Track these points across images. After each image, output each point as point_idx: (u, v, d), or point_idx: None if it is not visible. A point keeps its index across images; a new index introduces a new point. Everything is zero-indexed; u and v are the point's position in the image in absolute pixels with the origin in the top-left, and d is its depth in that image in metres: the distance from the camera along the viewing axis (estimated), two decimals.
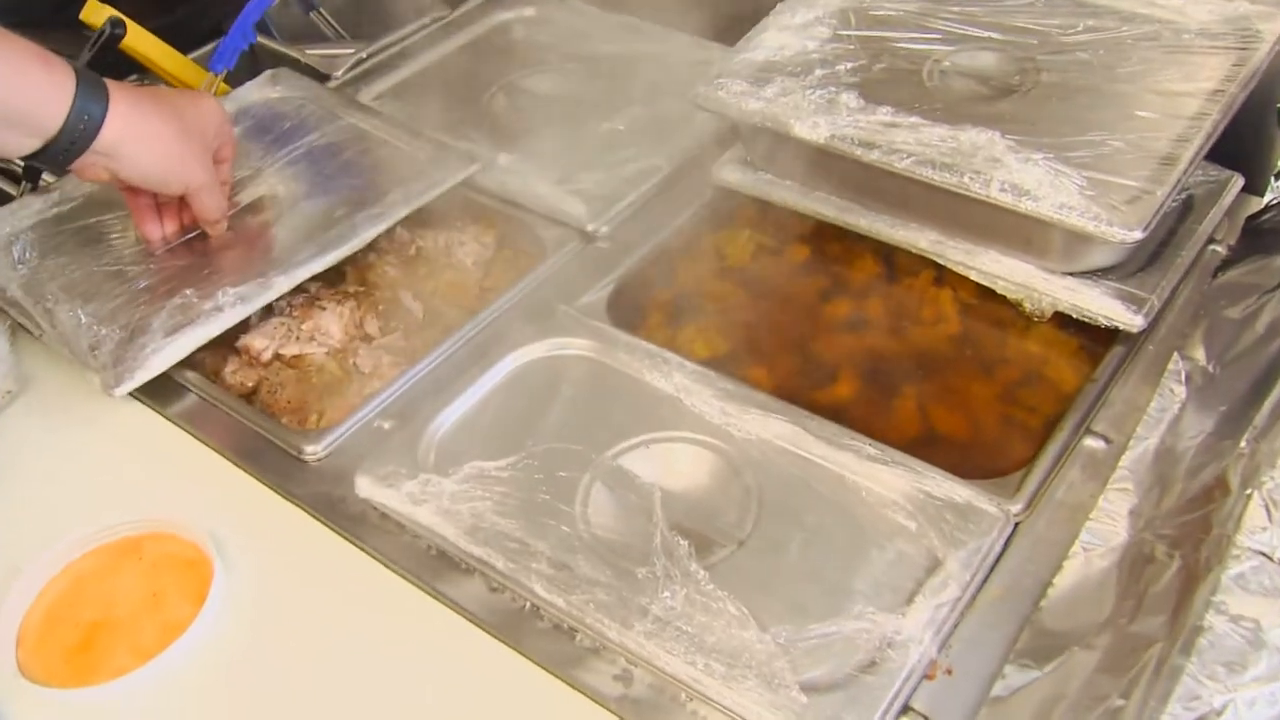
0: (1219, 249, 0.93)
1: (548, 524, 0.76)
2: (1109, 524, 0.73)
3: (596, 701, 0.68)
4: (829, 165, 0.93)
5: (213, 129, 0.95)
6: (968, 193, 0.84)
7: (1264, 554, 0.61)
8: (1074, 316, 0.86)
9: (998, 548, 0.73)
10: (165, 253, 1.00)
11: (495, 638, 0.72)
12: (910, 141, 0.87)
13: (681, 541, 0.72)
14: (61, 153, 0.86)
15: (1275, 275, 0.87)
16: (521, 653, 0.71)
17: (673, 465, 0.80)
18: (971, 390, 0.88)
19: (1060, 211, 0.81)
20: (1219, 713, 0.55)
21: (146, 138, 0.90)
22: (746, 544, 0.75)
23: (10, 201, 1.08)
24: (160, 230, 1.00)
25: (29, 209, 1.06)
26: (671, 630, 0.68)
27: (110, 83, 0.88)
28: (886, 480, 0.76)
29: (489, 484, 0.78)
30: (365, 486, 0.79)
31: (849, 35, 1.00)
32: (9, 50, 0.84)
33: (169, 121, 0.91)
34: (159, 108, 0.91)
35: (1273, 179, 0.95)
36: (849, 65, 0.96)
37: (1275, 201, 0.93)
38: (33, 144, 0.86)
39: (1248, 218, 0.94)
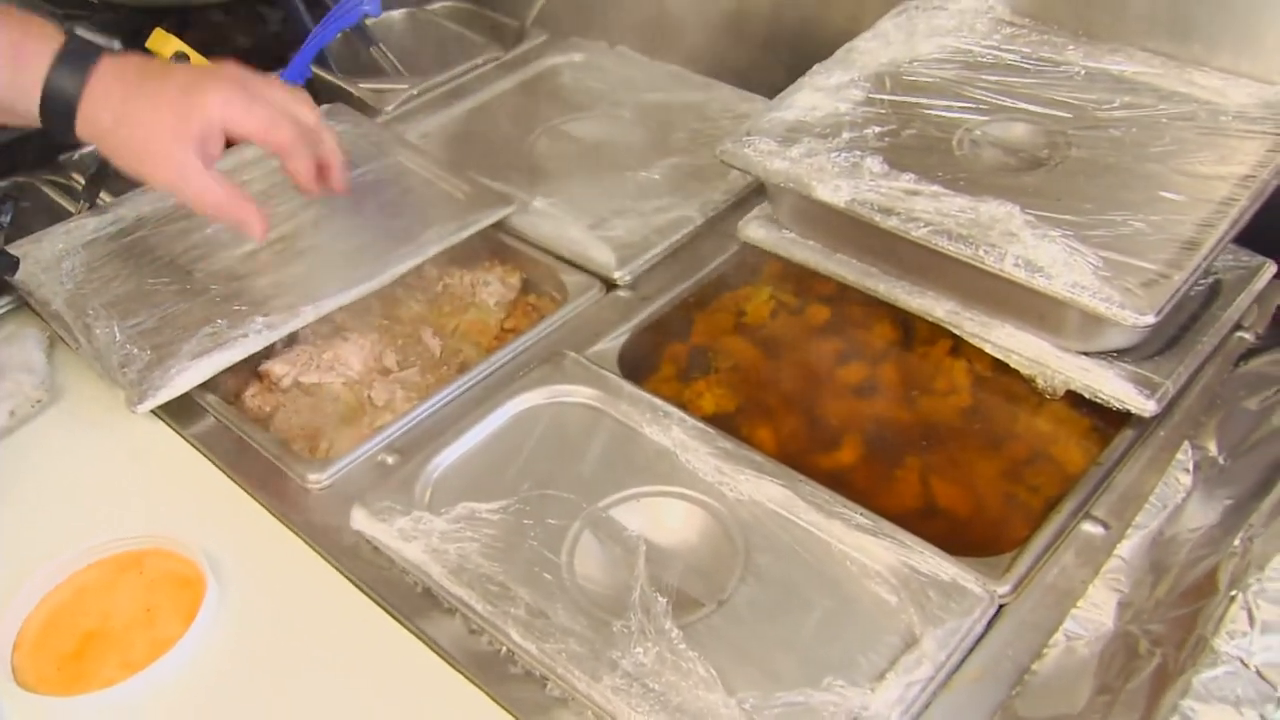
0: (1246, 336, 0.91)
1: (532, 569, 0.77)
2: (1096, 613, 0.71)
3: None
4: (851, 228, 0.93)
5: (197, 114, 0.85)
6: (981, 265, 0.83)
7: (1240, 659, 0.59)
8: (1086, 396, 0.85)
9: (979, 629, 0.72)
10: (205, 275, 1.03)
11: (469, 679, 0.73)
12: (929, 210, 0.87)
13: (660, 598, 0.73)
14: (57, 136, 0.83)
15: None
16: (493, 697, 0.72)
17: (662, 520, 0.80)
18: (976, 465, 0.87)
19: (1073, 291, 0.80)
20: None
21: (111, 130, 0.84)
22: (726, 605, 0.74)
23: (68, 218, 1.13)
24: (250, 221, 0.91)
25: (84, 228, 1.10)
26: (639, 687, 0.68)
27: (117, 58, 0.84)
28: (873, 552, 0.76)
29: (479, 526, 0.79)
30: (360, 519, 0.81)
31: (882, 99, 1.00)
32: None
33: (134, 108, 0.83)
34: (134, 90, 0.84)
35: None
36: (878, 129, 0.96)
37: None
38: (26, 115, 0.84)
39: (1279, 306, 0.92)
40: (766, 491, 0.80)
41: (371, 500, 0.81)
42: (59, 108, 0.83)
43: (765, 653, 0.72)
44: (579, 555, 0.78)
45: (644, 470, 0.83)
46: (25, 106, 0.83)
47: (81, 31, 0.89)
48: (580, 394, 0.89)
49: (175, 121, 0.85)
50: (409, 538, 0.78)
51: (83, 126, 0.84)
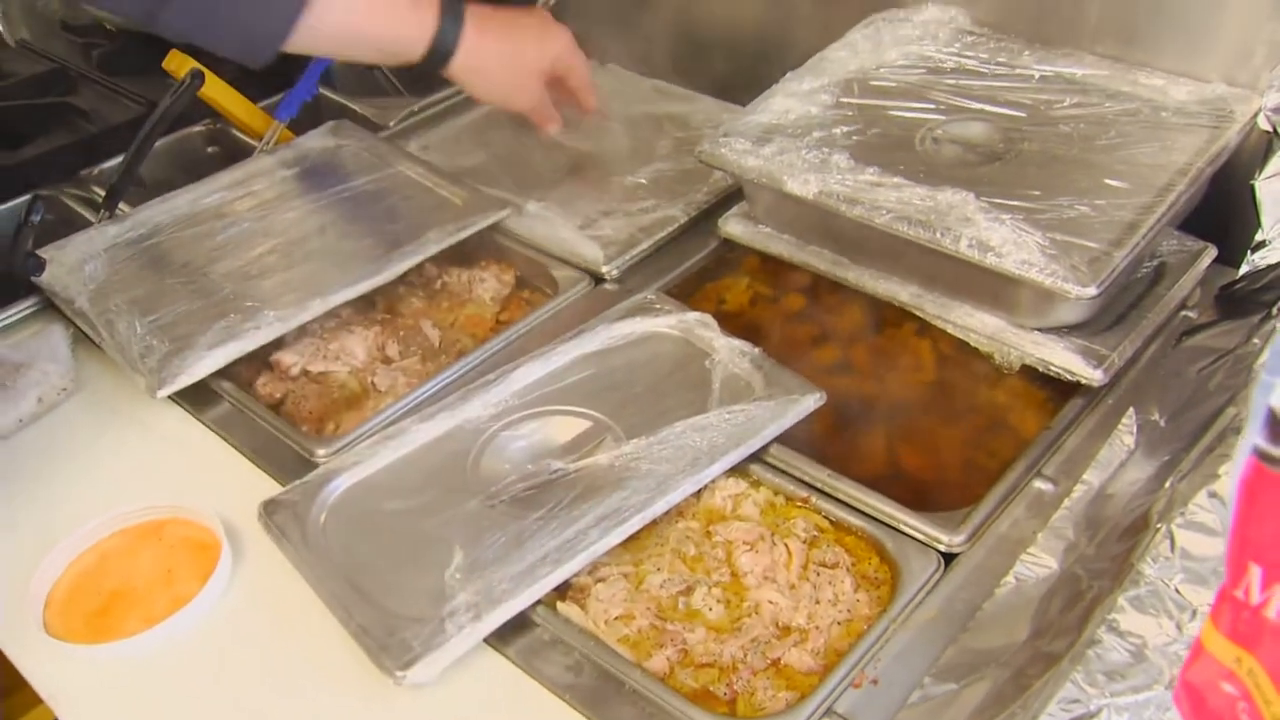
0: (1190, 315, 0.97)
1: None
2: (1044, 557, 0.77)
3: None
4: (821, 220, 1.00)
5: (549, 56, 1.14)
6: (939, 248, 0.89)
7: (1161, 580, 0.65)
8: (1040, 370, 0.91)
9: (937, 575, 0.78)
10: (219, 276, 1.10)
11: None
12: (891, 199, 0.93)
13: None
14: (423, 73, 1.08)
15: (1236, 339, 0.91)
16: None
17: None
18: (938, 434, 0.93)
19: (1021, 268, 0.86)
20: (1094, 715, 0.59)
21: (483, 69, 1.08)
22: None
23: (89, 227, 1.20)
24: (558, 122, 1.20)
25: (105, 235, 1.17)
26: None
27: (471, 10, 1.05)
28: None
29: None
30: None
31: (850, 103, 1.07)
32: None
33: (505, 53, 1.09)
34: (501, 40, 1.09)
35: (1249, 252, 0.98)
36: (845, 129, 1.03)
37: (1248, 271, 0.97)
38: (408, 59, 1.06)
39: (1221, 286, 0.98)
40: None
41: None
42: (440, 53, 1.05)
43: None
44: None
45: None
46: (407, 54, 1.05)
47: None
48: None
49: (535, 63, 1.13)
50: None
51: (456, 66, 1.07)
